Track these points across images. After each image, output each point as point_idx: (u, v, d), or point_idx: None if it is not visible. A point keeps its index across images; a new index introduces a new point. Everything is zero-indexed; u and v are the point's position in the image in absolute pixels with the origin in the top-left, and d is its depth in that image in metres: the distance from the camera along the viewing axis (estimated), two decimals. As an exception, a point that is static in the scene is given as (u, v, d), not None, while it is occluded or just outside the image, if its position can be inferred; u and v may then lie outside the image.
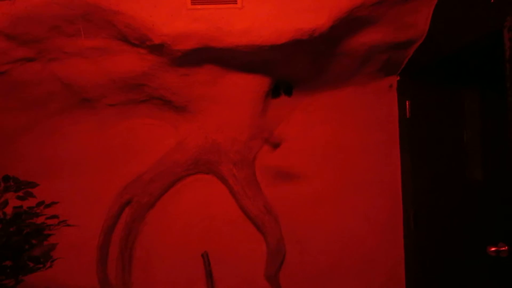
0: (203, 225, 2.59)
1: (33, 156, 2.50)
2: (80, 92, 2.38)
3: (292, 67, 2.43)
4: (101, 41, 2.18)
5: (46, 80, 2.28)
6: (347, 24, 2.17)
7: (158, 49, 2.16)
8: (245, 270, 2.58)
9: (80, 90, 2.37)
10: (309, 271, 2.60)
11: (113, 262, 2.50)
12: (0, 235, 1.66)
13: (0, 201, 1.78)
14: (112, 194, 2.52)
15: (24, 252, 1.75)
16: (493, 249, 1.84)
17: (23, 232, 1.76)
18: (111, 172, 2.54)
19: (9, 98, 2.29)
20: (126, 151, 2.55)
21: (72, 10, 2.02)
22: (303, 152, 2.64)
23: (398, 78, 2.62)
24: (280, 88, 2.59)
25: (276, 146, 2.38)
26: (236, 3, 2.10)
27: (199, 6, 2.10)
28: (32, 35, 2.10)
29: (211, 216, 2.60)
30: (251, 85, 2.44)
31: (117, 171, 2.54)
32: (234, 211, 2.60)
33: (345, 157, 2.65)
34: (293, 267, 2.59)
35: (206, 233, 2.59)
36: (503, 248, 1.82)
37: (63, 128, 2.50)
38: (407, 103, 2.54)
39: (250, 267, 2.58)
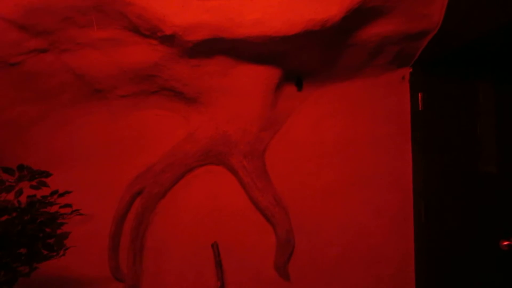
0: (213, 215, 2.60)
1: (46, 146, 2.52)
2: (92, 83, 2.40)
3: (303, 59, 2.41)
4: (113, 32, 2.19)
5: (59, 71, 2.30)
6: (359, 15, 2.15)
7: (169, 40, 2.17)
8: (254, 260, 2.60)
9: (92, 81, 2.38)
10: (318, 263, 2.61)
11: (125, 251, 2.53)
12: (15, 223, 1.69)
13: (15, 190, 1.81)
14: (124, 184, 2.54)
15: (38, 240, 1.79)
16: (505, 243, 1.82)
17: (37, 221, 1.79)
18: (122, 162, 2.56)
19: (22, 89, 2.32)
20: (137, 141, 2.57)
21: (84, 1, 2.03)
22: (314, 144, 2.63)
23: (411, 70, 2.59)
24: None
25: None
26: (248, -6, 2.09)
27: (210, -3, 2.09)
28: (45, 26, 2.11)
29: (221, 207, 2.61)
30: (261, 76, 2.43)
31: (129, 162, 2.55)
32: (244, 203, 2.61)
33: (356, 150, 2.63)
34: (302, 258, 2.60)
35: (216, 223, 2.60)
36: (516, 242, 1.80)
37: (75, 119, 2.52)
38: (419, 95, 2.52)
39: (260, 258, 2.60)
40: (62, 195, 1.92)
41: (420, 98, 2.52)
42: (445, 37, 2.21)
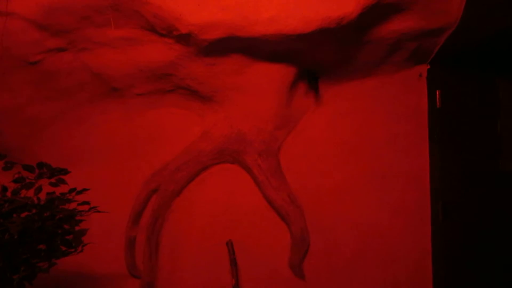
0: (228, 214, 2.60)
1: (64, 144, 2.55)
2: (109, 82, 2.42)
3: (318, 57, 2.40)
4: (130, 31, 2.20)
5: (77, 70, 2.33)
6: (376, 12, 2.12)
7: (185, 38, 2.18)
8: (269, 259, 2.59)
9: (109, 79, 2.41)
10: (333, 262, 2.59)
11: (141, 248, 2.55)
12: (35, 220, 1.72)
13: (35, 187, 1.84)
14: (140, 182, 2.56)
15: (57, 237, 1.81)
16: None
17: (56, 217, 1.81)
18: (138, 160, 2.58)
19: (41, 88, 2.35)
20: (153, 140, 2.58)
21: (102, 1, 2.05)
22: (329, 143, 2.62)
23: (428, 67, 2.56)
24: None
25: None
26: (263, -9, 2.08)
27: (226, -5, 2.09)
28: (64, 26, 2.14)
29: (236, 205, 2.61)
30: (277, 74, 2.42)
31: (145, 160, 2.57)
32: (259, 201, 2.60)
33: (372, 148, 2.61)
34: (317, 257, 2.59)
35: (231, 221, 2.60)
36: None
37: (92, 117, 2.55)
38: (437, 93, 2.48)
39: (274, 256, 2.59)
40: (80, 192, 1.93)
41: (438, 95, 2.48)
42: (464, 33, 2.17)
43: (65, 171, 1.93)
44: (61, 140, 2.55)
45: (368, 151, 2.60)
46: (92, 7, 2.08)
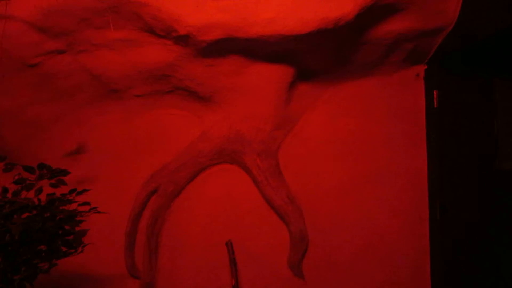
0: (227, 214, 2.61)
1: (63, 145, 2.56)
2: (108, 83, 2.43)
3: (316, 57, 2.41)
4: (128, 33, 2.22)
5: (76, 71, 2.34)
6: (373, 12, 2.14)
7: (183, 40, 2.19)
8: (268, 258, 2.60)
9: (108, 81, 2.42)
10: (332, 261, 2.60)
11: (141, 249, 2.56)
12: (35, 221, 1.73)
13: (35, 188, 1.85)
14: (139, 183, 2.57)
15: (58, 237, 1.82)
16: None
17: (56, 218, 1.82)
18: (137, 161, 2.59)
19: (41, 90, 2.36)
20: (152, 140, 2.59)
21: (101, 3, 2.06)
22: (327, 143, 2.63)
23: (426, 67, 2.57)
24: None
25: None
26: (261, -7, 2.09)
27: (224, -4, 2.10)
28: (63, 28, 2.15)
29: (235, 205, 2.62)
30: (275, 75, 2.44)
31: (144, 161, 2.58)
32: (258, 201, 2.61)
33: (370, 148, 2.62)
34: (316, 257, 2.60)
35: (230, 222, 2.61)
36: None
37: (91, 118, 2.56)
38: (434, 93, 2.49)
39: (274, 256, 2.60)
40: (80, 193, 1.95)
41: (435, 95, 2.49)
42: (461, 33, 2.19)
43: (65, 172, 1.95)
44: (60, 141, 2.56)
45: (366, 151, 2.62)
46: (91, 9, 2.09)
